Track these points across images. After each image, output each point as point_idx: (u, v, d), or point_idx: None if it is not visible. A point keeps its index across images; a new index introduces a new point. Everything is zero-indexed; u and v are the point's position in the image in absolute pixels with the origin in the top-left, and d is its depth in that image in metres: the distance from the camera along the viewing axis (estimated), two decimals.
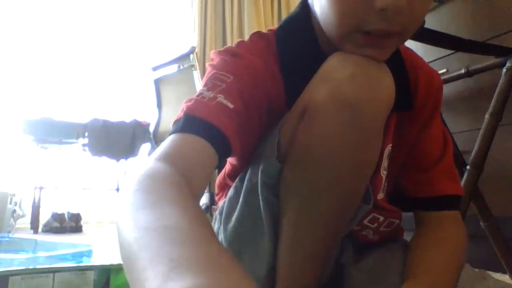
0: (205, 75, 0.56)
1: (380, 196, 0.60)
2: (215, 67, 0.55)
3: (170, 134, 0.47)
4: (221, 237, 0.63)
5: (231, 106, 0.49)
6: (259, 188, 0.54)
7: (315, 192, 0.50)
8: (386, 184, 0.62)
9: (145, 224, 0.29)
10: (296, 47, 0.58)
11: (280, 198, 0.53)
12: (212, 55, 0.59)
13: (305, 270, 0.56)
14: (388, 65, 0.50)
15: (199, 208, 0.34)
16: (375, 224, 0.61)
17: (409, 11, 0.45)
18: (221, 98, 0.49)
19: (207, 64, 0.58)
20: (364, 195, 0.53)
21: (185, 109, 0.49)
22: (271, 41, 0.59)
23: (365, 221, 0.61)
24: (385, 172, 0.60)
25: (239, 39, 0.62)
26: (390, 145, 0.60)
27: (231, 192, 0.61)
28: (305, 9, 0.58)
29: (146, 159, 0.42)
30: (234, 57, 0.56)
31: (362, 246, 0.64)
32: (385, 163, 0.60)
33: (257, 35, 0.61)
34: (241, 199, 0.58)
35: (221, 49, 0.59)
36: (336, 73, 0.48)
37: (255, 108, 0.54)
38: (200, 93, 0.51)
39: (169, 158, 0.42)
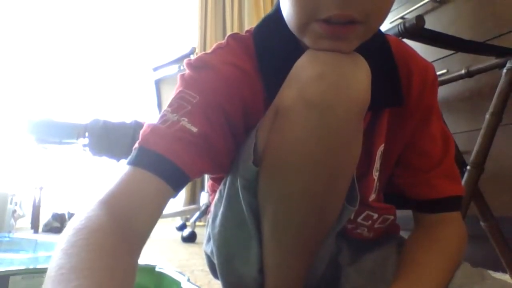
0: (176, 88, 0.54)
1: (372, 197, 0.59)
2: (183, 84, 0.54)
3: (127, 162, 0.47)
4: (210, 244, 0.62)
5: (194, 130, 0.49)
6: (240, 192, 0.53)
7: (288, 194, 0.50)
8: (378, 184, 0.60)
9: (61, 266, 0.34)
10: (274, 47, 0.56)
11: (259, 200, 0.53)
12: (185, 64, 0.56)
13: (290, 269, 0.55)
14: (372, 57, 0.47)
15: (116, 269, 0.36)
16: (369, 222, 0.61)
17: None
18: (184, 121, 0.49)
19: (178, 75, 0.56)
20: (349, 196, 0.52)
21: (140, 138, 0.48)
22: (249, 43, 0.57)
23: (359, 219, 0.60)
24: (377, 174, 0.58)
25: (217, 43, 0.58)
26: (383, 145, 0.58)
27: (216, 196, 0.61)
28: (280, 8, 0.55)
29: (91, 201, 0.42)
30: (204, 70, 0.54)
31: (358, 245, 0.63)
32: (377, 164, 0.58)
33: (234, 38, 0.58)
34: (223, 204, 0.57)
35: (194, 58, 0.56)
36: (305, 72, 0.46)
37: (225, 124, 0.53)
38: (164, 115, 0.50)
39: (110, 202, 0.42)
